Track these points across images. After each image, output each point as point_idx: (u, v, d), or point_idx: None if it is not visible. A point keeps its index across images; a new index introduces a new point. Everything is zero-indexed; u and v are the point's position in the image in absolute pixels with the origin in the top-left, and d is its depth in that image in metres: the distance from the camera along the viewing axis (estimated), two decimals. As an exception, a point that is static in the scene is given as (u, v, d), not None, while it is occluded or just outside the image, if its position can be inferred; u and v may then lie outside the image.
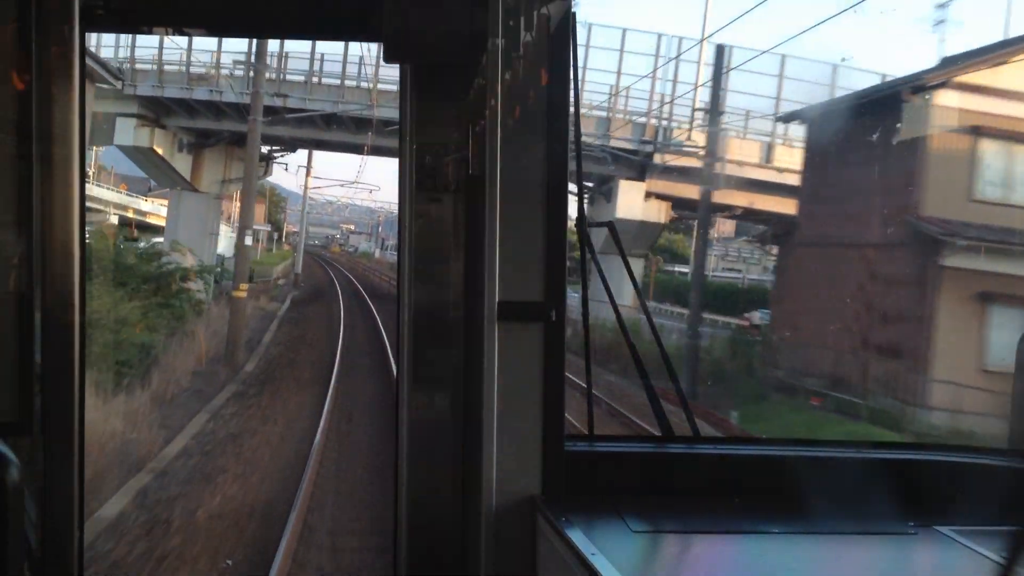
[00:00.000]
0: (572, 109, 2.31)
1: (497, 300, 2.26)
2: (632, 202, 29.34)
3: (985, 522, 2.17)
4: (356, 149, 32.99)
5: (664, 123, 30.01)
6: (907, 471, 2.52)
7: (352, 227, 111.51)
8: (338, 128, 29.78)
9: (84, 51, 2.35)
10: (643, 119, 29.61)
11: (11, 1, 2.24)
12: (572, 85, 2.29)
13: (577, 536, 2.01)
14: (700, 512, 2.31)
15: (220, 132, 29.10)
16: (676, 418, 2.50)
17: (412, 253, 2.56)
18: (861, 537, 2.21)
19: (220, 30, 2.83)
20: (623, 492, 2.32)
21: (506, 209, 2.25)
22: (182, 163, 28.87)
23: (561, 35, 2.26)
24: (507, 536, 2.27)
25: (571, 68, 2.29)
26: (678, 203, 31.16)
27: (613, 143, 28.85)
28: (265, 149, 33.08)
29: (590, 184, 31.68)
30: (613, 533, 2.12)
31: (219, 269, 27.84)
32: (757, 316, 29.10)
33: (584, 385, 2.38)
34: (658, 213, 30.25)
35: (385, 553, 6.97)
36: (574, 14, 2.26)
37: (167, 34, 3.96)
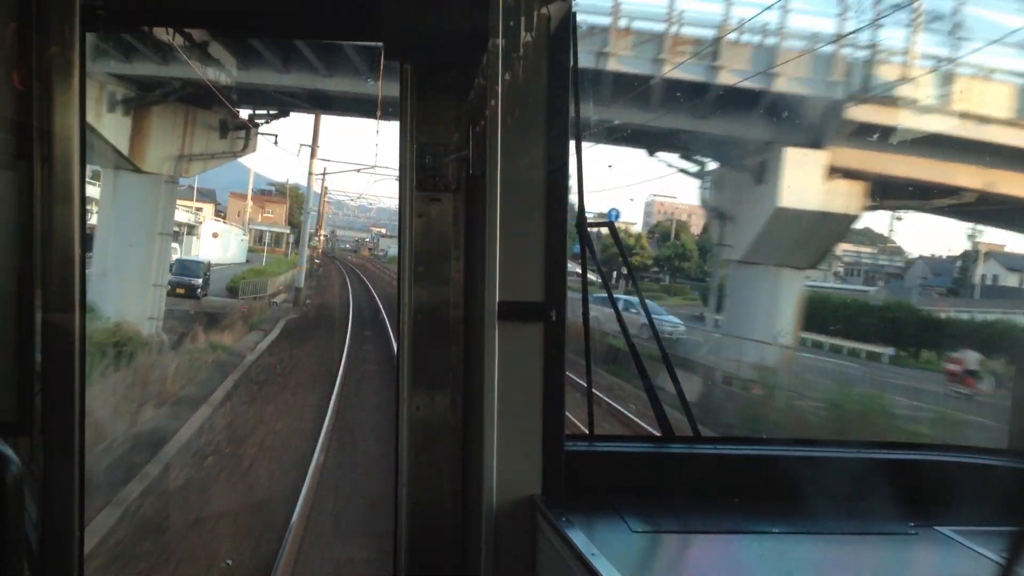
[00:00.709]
0: (572, 109, 3.68)
1: (497, 300, 3.59)
2: (805, 182, 29.12)
3: (985, 522, 3.44)
4: (366, 109, 33.99)
5: (867, 55, 29.07)
6: (907, 471, 3.81)
7: (383, 230, 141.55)
8: (343, 73, 31.16)
9: (84, 51, 3.78)
10: (831, 47, 29.00)
11: (12, 2, 3.65)
12: (572, 85, 3.66)
13: (577, 536, 3.24)
14: (700, 512, 3.64)
15: (170, 82, 29.86)
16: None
17: (413, 253, 4.01)
18: (861, 537, 3.50)
19: (221, 30, 4.32)
20: (623, 492, 3.66)
21: (506, 209, 3.57)
22: (116, 129, 29.26)
23: (561, 35, 3.63)
24: (507, 536, 3.60)
25: (571, 68, 3.66)
26: (886, 185, 30.57)
27: (778, 86, 28.63)
28: (245, 114, 33.95)
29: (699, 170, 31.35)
30: (613, 533, 3.41)
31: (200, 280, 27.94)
32: (974, 359, 28.19)
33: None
34: (846, 200, 29.97)
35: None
36: (574, 14, 3.63)
37: (168, 34, 5.24)
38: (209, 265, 40.27)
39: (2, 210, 3.71)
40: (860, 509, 3.56)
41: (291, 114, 36.92)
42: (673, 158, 34.98)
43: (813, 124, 29.00)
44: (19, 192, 3.69)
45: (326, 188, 71.70)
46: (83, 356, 3.84)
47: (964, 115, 27.06)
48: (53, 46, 3.69)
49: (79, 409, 3.83)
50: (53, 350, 3.76)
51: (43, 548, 3.79)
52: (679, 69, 28.37)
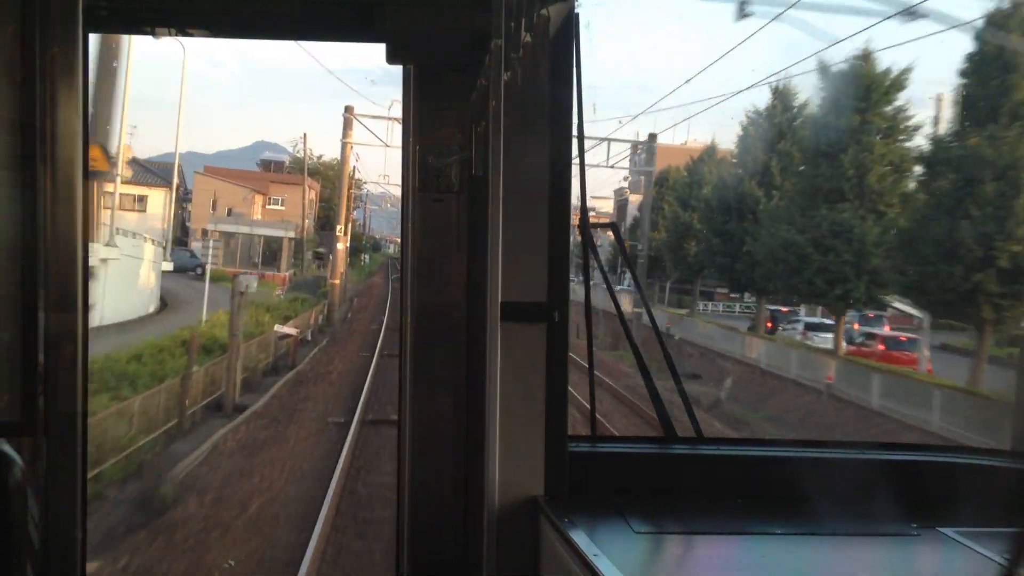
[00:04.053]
0: (575, 110, 3.60)
1: (500, 301, 3.51)
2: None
3: (988, 523, 3.35)
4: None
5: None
6: (910, 472, 3.73)
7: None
8: None
9: (87, 52, 3.72)
10: None
11: (16, 2, 3.59)
12: (575, 86, 3.58)
13: (580, 537, 3.16)
14: (703, 513, 3.54)
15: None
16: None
17: (415, 254, 3.93)
18: (864, 538, 3.41)
19: (223, 31, 4.24)
20: (626, 493, 3.57)
21: (509, 210, 3.50)
22: None
23: (563, 36, 3.55)
24: (509, 537, 3.51)
25: (574, 69, 3.58)
26: None
27: None
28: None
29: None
30: (616, 534, 3.33)
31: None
32: None
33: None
34: None
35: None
36: (577, 15, 3.55)
37: (170, 35, 5.20)
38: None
39: (5, 211, 3.65)
40: (863, 510, 3.47)
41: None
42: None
43: None
44: (22, 193, 3.62)
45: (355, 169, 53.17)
46: (86, 357, 3.77)
47: None
48: (56, 46, 3.62)
49: (82, 410, 3.76)
50: (56, 350, 3.69)
51: (46, 548, 3.72)
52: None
